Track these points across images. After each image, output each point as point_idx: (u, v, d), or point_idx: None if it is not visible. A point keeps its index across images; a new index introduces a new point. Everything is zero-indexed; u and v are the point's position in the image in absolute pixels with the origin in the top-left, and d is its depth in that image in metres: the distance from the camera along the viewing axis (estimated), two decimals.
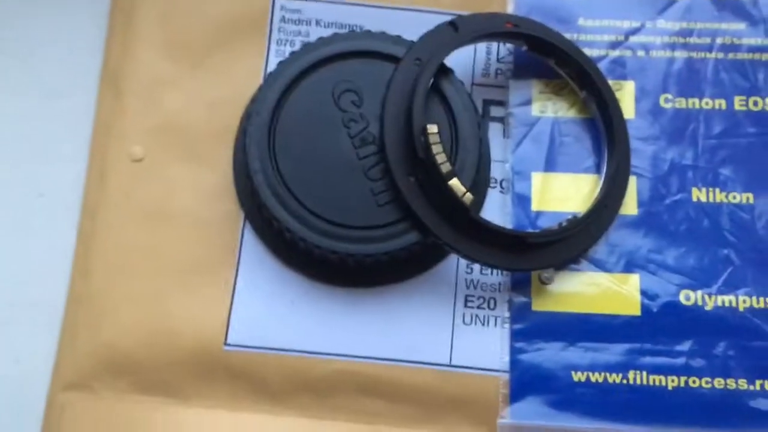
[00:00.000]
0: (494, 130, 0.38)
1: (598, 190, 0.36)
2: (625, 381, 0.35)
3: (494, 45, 0.39)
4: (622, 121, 0.37)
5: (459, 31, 0.36)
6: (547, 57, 0.37)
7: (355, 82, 0.35)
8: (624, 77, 0.38)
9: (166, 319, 0.35)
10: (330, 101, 0.35)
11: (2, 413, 0.36)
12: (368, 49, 0.36)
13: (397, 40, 0.36)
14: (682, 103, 0.38)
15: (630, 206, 0.37)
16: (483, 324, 0.36)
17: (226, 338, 0.35)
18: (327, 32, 0.38)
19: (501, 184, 0.38)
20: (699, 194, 0.37)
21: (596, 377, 0.35)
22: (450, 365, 0.35)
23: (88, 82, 0.39)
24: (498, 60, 0.39)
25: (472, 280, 0.36)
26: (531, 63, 0.38)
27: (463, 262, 0.36)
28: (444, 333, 0.36)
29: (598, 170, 0.37)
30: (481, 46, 0.39)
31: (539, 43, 0.37)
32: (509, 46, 0.39)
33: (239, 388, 0.35)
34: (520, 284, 0.36)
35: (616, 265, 0.36)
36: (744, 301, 0.35)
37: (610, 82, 0.38)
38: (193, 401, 0.35)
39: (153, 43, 0.39)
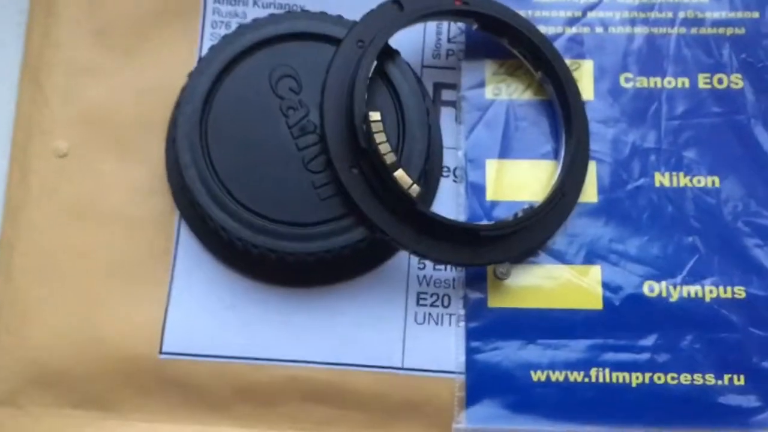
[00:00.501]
0: (446, 116, 0.36)
1: (555, 176, 0.34)
2: (587, 379, 0.33)
3: (445, 24, 0.37)
4: (580, 103, 0.35)
5: (404, 9, 0.33)
6: (499, 36, 0.35)
7: (293, 67, 0.33)
8: (582, 56, 0.36)
9: (97, 326, 0.33)
10: (266, 88, 0.33)
11: None
12: (307, 31, 0.33)
13: (338, 20, 0.34)
14: (643, 82, 0.36)
15: (590, 193, 0.35)
16: (437, 323, 0.34)
17: (161, 346, 0.33)
18: (264, 13, 0.35)
19: (454, 172, 0.35)
20: (662, 179, 0.35)
21: (557, 376, 0.33)
22: (402, 368, 0.33)
23: (9, 72, 0.36)
24: (449, 40, 0.37)
25: (424, 277, 0.34)
26: (484, 43, 0.36)
27: (415, 257, 0.34)
28: (395, 334, 0.33)
29: (556, 156, 0.35)
30: (431, 26, 0.37)
31: (490, 22, 0.35)
32: (461, 25, 0.36)
33: (177, 399, 0.33)
34: (476, 280, 0.34)
35: (576, 257, 0.34)
36: (710, 292, 0.34)
37: (568, 61, 0.36)
38: (128, 414, 0.33)
39: (77, 28, 0.36)
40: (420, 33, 0.36)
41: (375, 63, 0.32)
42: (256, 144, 0.32)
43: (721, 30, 0.37)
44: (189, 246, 0.34)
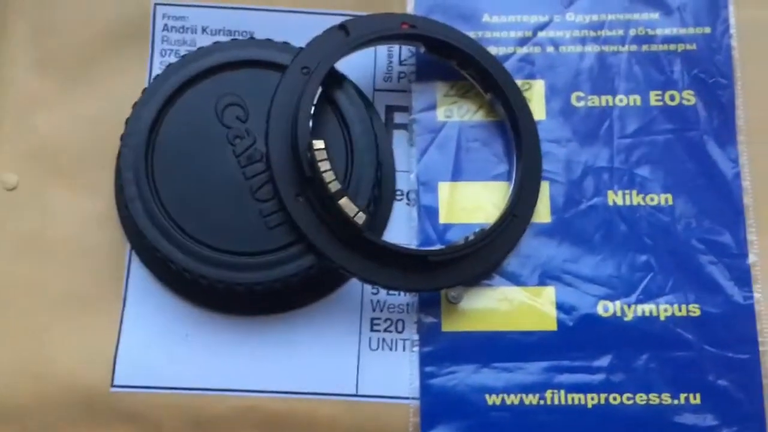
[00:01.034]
0: (399, 139, 0.36)
1: (507, 198, 0.34)
2: (542, 401, 0.33)
3: (396, 47, 0.37)
4: (531, 123, 0.35)
5: (350, 34, 0.33)
6: (447, 59, 0.35)
7: (239, 95, 0.33)
8: (533, 76, 0.36)
9: (48, 359, 0.33)
10: (212, 117, 0.33)
11: None
12: (252, 58, 0.33)
13: (284, 47, 0.33)
14: (594, 100, 0.36)
15: (543, 214, 0.35)
16: (391, 348, 0.33)
17: (112, 379, 0.33)
18: (214, 40, 0.35)
19: (407, 196, 0.35)
20: (615, 198, 0.35)
21: (512, 399, 0.33)
22: (356, 395, 0.33)
23: None
24: (400, 63, 0.37)
25: (378, 302, 0.34)
26: (434, 65, 0.36)
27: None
28: (349, 360, 0.33)
29: (509, 177, 0.35)
30: (382, 49, 0.36)
31: (438, 44, 0.34)
32: (411, 47, 0.36)
33: None
34: (429, 304, 0.34)
35: (529, 278, 0.34)
36: (665, 310, 0.33)
37: (519, 81, 0.36)
38: None
39: (24, 60, 0.36)
40: (371, 56, 0.36)
41: (320, 89, 0.32)
42: (203, 174, 0.32)
43: (672, 46, 0.37)
44: (140, 276, 0.34)
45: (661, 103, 0.36)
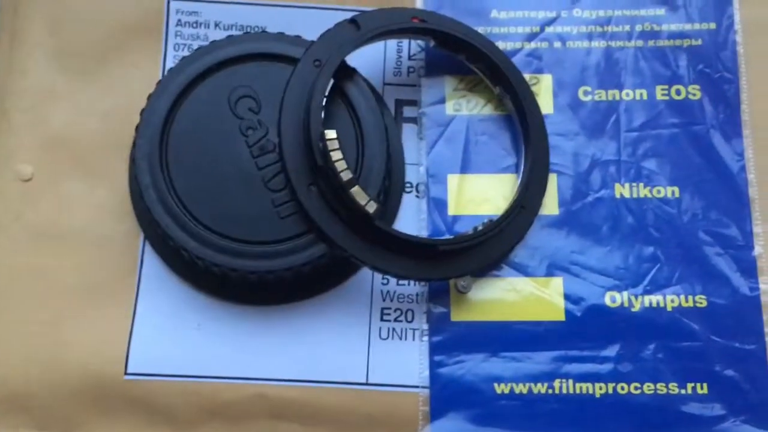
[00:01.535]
0: (409, 132, 0.36)
1: (515, 190, 0.34)
2: (550, 391, 0.33)
3: (405, 42, 0.37)
4: (539, 117, 0.35)
5: (361, 28, 0.34)
6: (457, 53, 0.36)
7: (252, 87, 0.33)
8: (541, 70, 0.37)
9: (61, 347, 0.33)
10: (226, 108, 0.33)
11: None
12: (265, 52, 0.34)
13: (296, 40, 0.34)
14: (601, 95, 0.36)
15: (550, 206, 0.35)
16: (401, 338, 0.34)
17: (126, 367, 0.33)
18: (226, 35, 0.35)
19: (417, 188, 0.36)
20: (622, 190, 0.35)
21: (520, 388, 0.33)
22: (367, 383, 0.33)
23: None
24: (409, 57, 0.37)
25: (388, 292, 0.34)
26: (443, 59, 0.36)
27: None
28: (360, 349, 0.34)
29: (517, 169, 0.35)
30: (392, 44, 0.37)
31: (447, 39, 0.35)
32: (420, 42, 0.37)
33: (143, 420, 0.33)
34: (438, 294, 0.34)
35: (537, 269, 0.34)
36: (672, 301, 0.34)
37: (527, 76, 0.36)
38: None
39: (41, 53, 0.36)
40: (381, 51, 0.37)
41: (332, 82, 0.32)
42: (216, 164, 0.32)
43: (677, 42, 0.37)
44: (154, 266, 0.34)
45: (667, 98, 0.36)
